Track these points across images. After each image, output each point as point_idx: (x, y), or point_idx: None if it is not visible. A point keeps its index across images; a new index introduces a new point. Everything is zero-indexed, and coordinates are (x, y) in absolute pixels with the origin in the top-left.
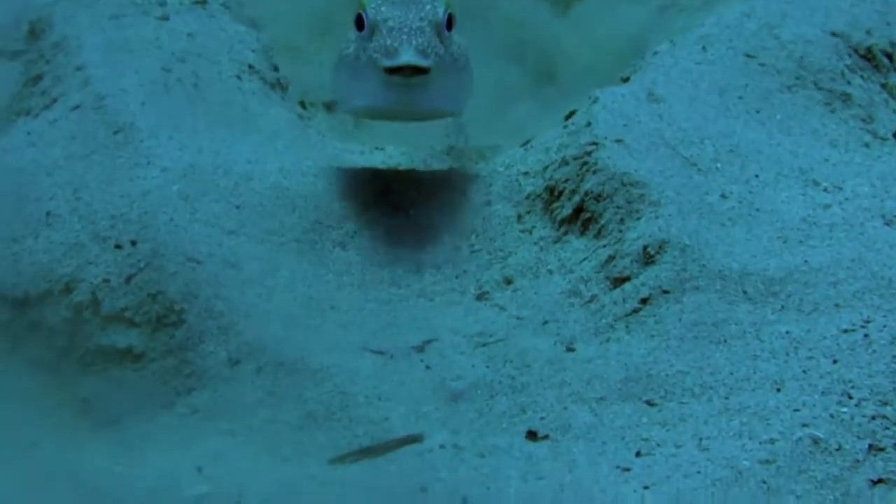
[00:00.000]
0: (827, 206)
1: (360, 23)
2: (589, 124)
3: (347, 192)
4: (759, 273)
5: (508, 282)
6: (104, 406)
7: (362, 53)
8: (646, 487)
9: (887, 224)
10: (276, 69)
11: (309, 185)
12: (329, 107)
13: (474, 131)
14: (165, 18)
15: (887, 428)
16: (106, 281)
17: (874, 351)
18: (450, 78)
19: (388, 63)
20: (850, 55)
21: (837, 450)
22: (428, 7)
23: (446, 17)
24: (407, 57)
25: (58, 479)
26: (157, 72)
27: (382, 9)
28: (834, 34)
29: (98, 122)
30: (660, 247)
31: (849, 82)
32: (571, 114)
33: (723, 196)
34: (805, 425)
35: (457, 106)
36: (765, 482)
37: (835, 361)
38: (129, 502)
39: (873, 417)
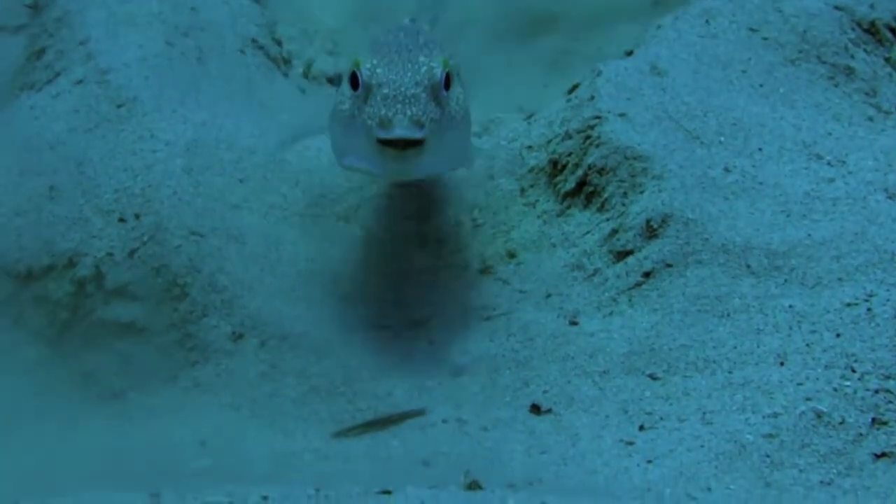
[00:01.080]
0: (830, 180)
1: (354, 81)
2: (592, 98)
3: None
4: (762, 247)
5: (512, 255)
6: (107, 380)
7: (357, 113)
8: (649, 461)
9: (890, 198)
10: (279, 43)
11: (312, 159)
12: (332, 81)
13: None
14: None
15: (890, 402)
16: (109, 255)
17: (877, 325)
18: (446, 139)
19: (382, 135)
20: (853, 29)
21: (841, 424)
22: (424, 69)
23: (444, 77)
24: (400, 130)
25: (62, 452)
26: (161, 46)
27: (378, 70)
28: (837, 8)
29: (101, 97)
30: (663, 220)
31: (852, 56)
32: (575, 87)
33: (726, 170)
34: (808, 399)
35: (452, 166)
36: (768, 456)
37: (838, 335)
38: (133, 475)
39: (876, 391)
